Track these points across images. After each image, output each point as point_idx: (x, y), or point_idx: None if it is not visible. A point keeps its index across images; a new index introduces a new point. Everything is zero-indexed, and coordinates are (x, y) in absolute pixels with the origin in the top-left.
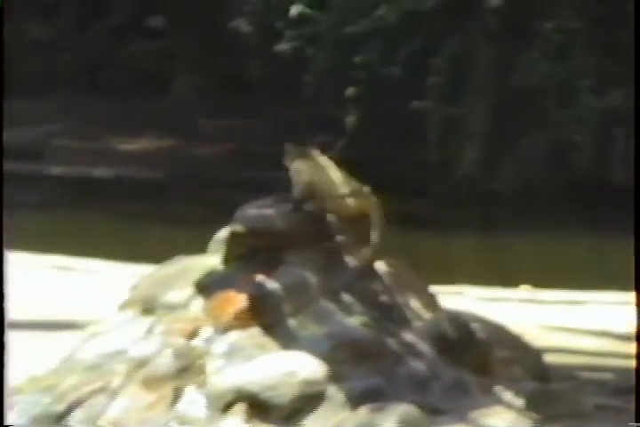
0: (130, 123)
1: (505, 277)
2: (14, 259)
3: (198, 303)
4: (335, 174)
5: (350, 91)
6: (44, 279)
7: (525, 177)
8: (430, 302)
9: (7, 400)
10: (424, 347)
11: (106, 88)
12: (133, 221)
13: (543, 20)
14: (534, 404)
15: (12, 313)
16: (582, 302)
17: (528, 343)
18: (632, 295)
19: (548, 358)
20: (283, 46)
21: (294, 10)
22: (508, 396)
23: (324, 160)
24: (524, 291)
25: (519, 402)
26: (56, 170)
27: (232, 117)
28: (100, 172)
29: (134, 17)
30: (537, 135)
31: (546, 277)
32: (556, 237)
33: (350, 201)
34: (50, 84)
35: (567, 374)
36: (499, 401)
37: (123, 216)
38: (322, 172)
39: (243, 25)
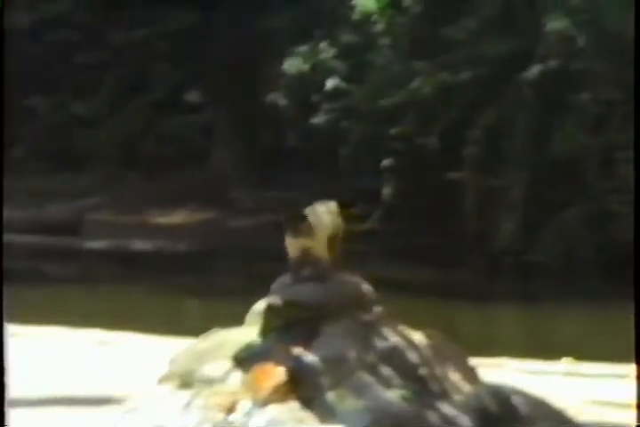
0: (167, 196)
1: (546, 349)
2: (54, 334)
3: (236, 377)
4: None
5: (386, 162)
6: (84, 354)
7: (565, 248)
8: (470, 374)
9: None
10: (464, 420)
11: (144, 162)
12: (171, 294)
13: (580, 91)
14: None
15: (51, 389)
16: (626, 376)
17: (571, 418)
18: None
19: None
20: (319, 119)
21: (330, 83)
22: None
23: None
24: (567, 364)
25: None
26: (95, 244)
27: (269, 189)
28: (138, 245)
29: (171, 92)
30: (576, 206)
31: (588, 350)
32: (597, 308)
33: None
34: (90, 158)
35: None
36: None
37: (161, 289)
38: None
39: (279, 98)
